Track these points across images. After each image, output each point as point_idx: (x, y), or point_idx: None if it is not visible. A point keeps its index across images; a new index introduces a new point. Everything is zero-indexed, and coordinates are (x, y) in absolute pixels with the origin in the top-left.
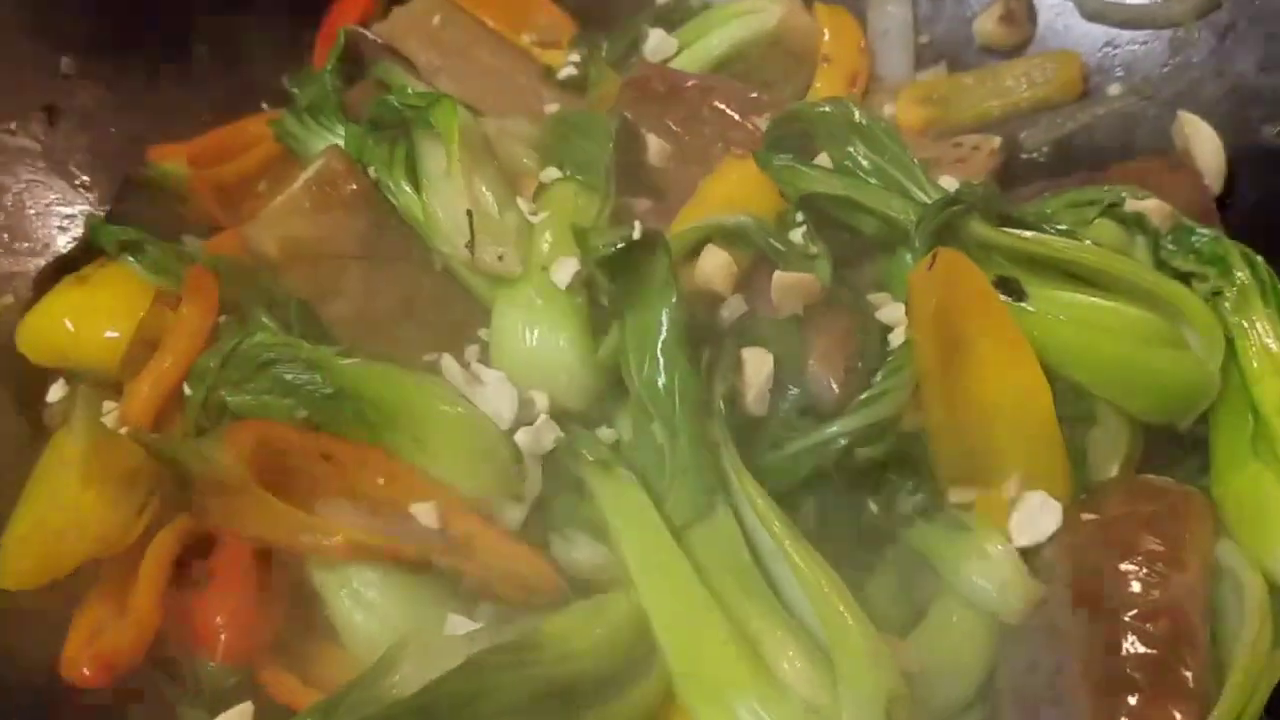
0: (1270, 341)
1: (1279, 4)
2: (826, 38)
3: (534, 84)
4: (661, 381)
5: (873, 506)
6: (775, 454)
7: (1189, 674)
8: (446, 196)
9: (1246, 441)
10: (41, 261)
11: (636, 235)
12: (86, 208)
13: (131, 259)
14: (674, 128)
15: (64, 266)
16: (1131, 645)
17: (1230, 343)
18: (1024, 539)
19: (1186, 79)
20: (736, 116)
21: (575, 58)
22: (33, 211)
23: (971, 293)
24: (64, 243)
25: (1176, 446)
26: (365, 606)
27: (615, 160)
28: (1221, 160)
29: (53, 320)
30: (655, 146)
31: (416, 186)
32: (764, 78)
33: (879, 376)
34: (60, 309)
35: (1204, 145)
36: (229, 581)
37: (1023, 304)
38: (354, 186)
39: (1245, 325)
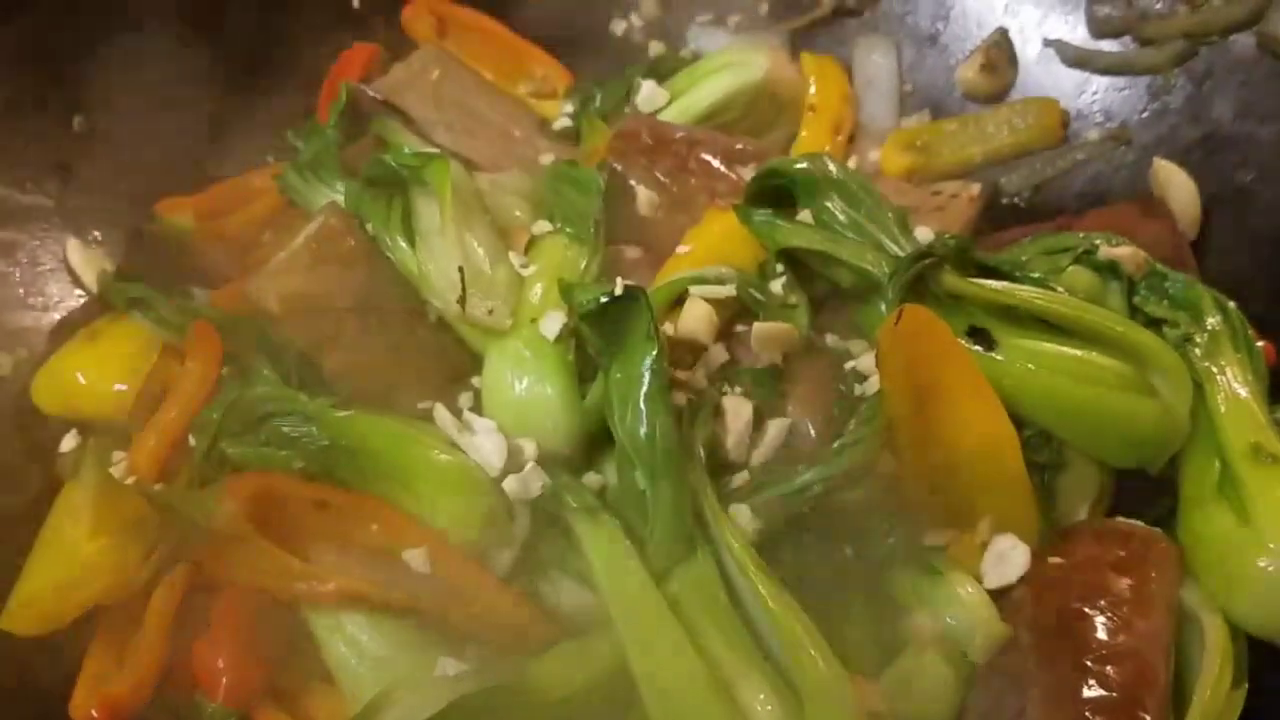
0: (1239, 387)
1: (1253, 53)
2: (812, 88)
3: (530, 135)
4: (643, 430)
5: (848, 550)
6: (754, 499)
7: (1147, 716)
8: (439, 253)
9: (1213, 486)
10: (55, 317)
11: (619, 291)
12: (98, 263)
13: (139, 314)
14: (662, 179)
15: (76, 322)
16: (1091, 688)
17: (1200, 388)
18: (993, 581)
19: (1164, 125)
20: (722, 167)
21: (570, 108)
22: (47, 268)
23: (938, 346)
24: (76, 298)
25: (1148, 488)
26: (358, 650)
27: (605, 212)
28: (1197, 206)
29: (65, 374)
30: (644, 197)
31: (411, 242)
32: (751, 126)
33: (854, 424)
34: (72, 363)
35: (1179, 191)
36: (229, 626)
37: (993, 354)
38: (352, 243)
39: (1215, 371)
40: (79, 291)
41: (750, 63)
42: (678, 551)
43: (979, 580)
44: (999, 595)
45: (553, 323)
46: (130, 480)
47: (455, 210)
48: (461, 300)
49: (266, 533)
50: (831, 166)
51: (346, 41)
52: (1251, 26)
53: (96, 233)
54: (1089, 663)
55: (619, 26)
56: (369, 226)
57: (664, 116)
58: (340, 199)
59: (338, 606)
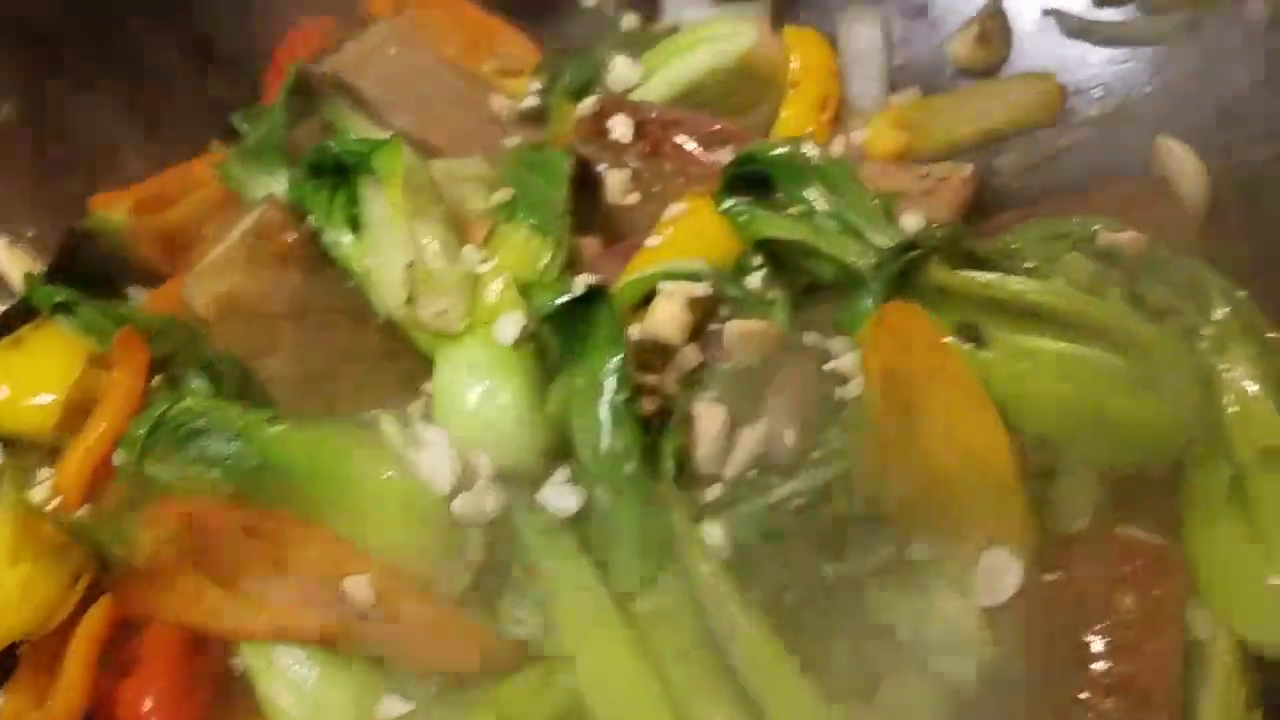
0: (1249, 384)
1: (1267, 20)
2: (795, 63)
3: (493, 116)
4: (605, 442)
5: (829, 567)
6: (727, 514)
7: None
8: (387, 248)
9: (1221, 493)
10: None
11: (579, 290)
12: (26, 264)
13: (64, 319)
14: (634, 163)
15: (2, 327)
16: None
17: (1207, 385)
18: (985, 598)
19: (1169, 100)
20: (699, 151)
21: (538, 86)
22: None
23: (924, 346)
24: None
25: (1151, 495)
26: (294, 688)
27: (571, 201)
28: (1204, 187)
29: None
30: (614, 183)
31: (358, 236)
32: (733, 105)
33: (835, 431)
34: None
35: (1186, 171)
36: (158, 663)
37: (984, 351)
38: (291, 238)
39: (1223, 367)
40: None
41: (733, 35)
42: (643, 574)
43: (970, 598)
44: (992, 614)
45: (510, 325)
46: (55, 502)
47: (405, 201)
48: (410, 300)
49: (195, 563)
50: (811, 151)
51: (297, 16)
52: None
53: (28, 231)
54: (1088, 694)
55: None
56: (311, 219)
57: (638, 95)
58: (282, 189)
59: (272, 641)
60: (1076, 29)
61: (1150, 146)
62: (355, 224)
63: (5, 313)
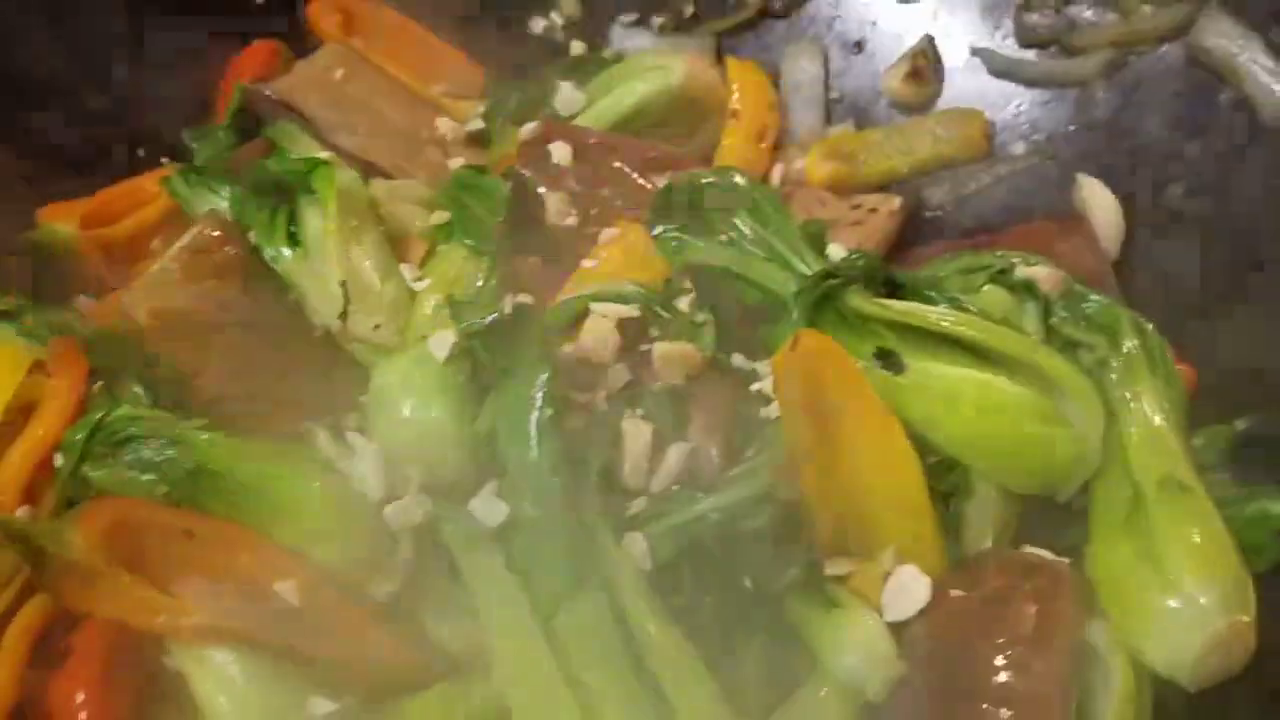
0: (1154, 415)
1: (1182, 65)
2: (735, 93)
3: (438, 139)
4: (532, 456)
5: (747, 580)
6: (650, 528)
7: None
8: (323, 264)
9: (1122, 517)
10: None
11: (508, 309)
12: None
13: (6, 326)
14: (574, 186)
15: None
16: None
17: (1113, 415)
18: (893, 614)
19: (1090, 139)
20: (636, 176)
21: (483, 110)
22: None
23: (836, 372)
24: None
25: (1056, 516)
26: (225, 688)
27: (509, 223)
28: (1120, 223)
29: None
30: (554, 205)
31: (296, 252)
32: (673, 133)
33: (752, 450)
34: None
35: (1102, 207)
36: (88, 659)
37: (899, 377)
38: (231, 253)
39: (1129, 397)
40: None
41: (669, 67)
42: (566, 586)
43: (879, 613)
44: (899, 628)
45: (443, 342)
46: None
47: (341, 219)
48: (344, 315)
49: (127, 563)
50: (740, 180)
51: (249, 37)
52: (1181, 37)
53: None
54: (985, 705)
55: (538, 24)
56: (252, 236)
57: (581, 120)
58: (226, 205)
59: (203, 641)
60: (1002, 68)
61: (1070, 183)
62: (295, 241)
63: None
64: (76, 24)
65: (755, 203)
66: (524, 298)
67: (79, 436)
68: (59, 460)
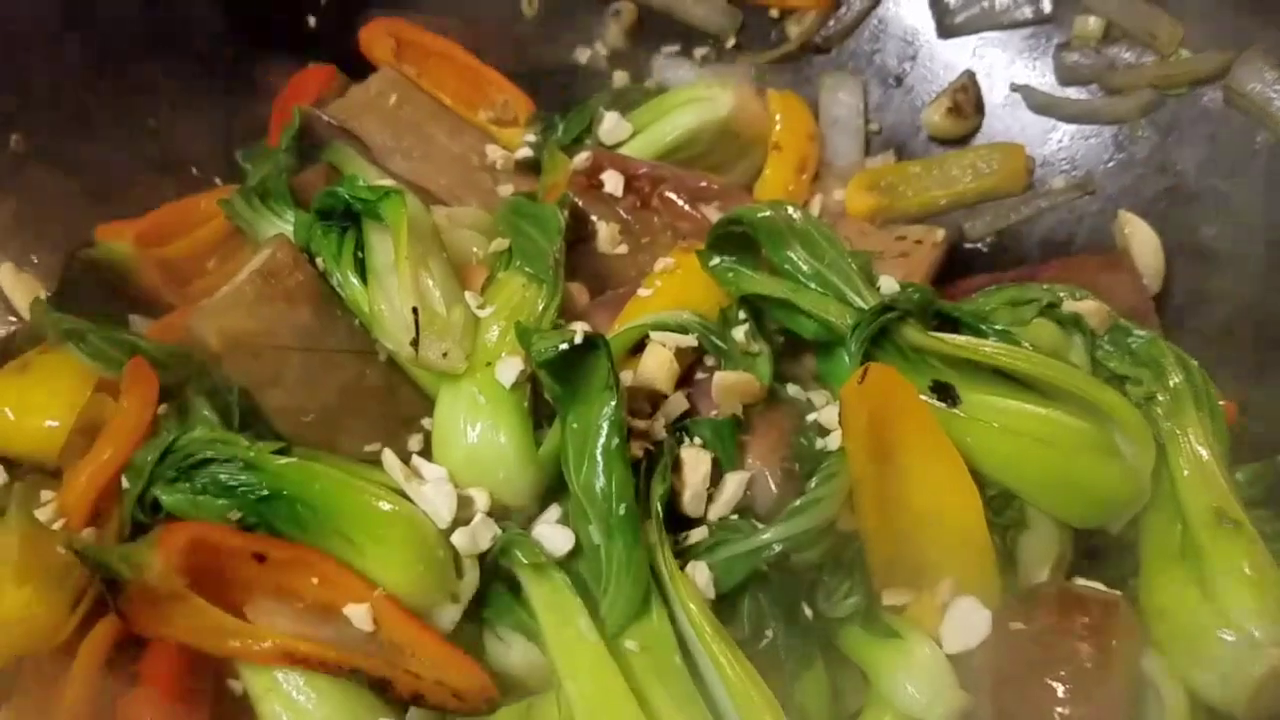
0: (1201, 449)
1: (1220, 107)
2: (778, 125)
3: (489, 165)
4: (599, 484)
5: (807, 610)
6: (711, 557)
7: None
8: (393, 292)
9: (1175, 550)
10: None
11: (579, 339)
12: (33, 289)
13: (73, 347)
14: (624, 215)
15: (7, 352)
16: None
17: (1162, 449)
18: (954, 646)
19: (1129, 176)
20: (686, 206)
21: (531, 138)
22: None
23: (902, 406)
24: (8, 324)
25: (1109, 549)
26: (295, 711)
27: (564, 251)
28: (1160, 259)
29: None
30: (605, 234)
31: (363, 279)
32: (716, 162)
33: (815, 481)
34: (1, 397)
35: (1143, 244)
36: (159, 682)
37: (955, 410)
38: (300, 278)
39: (1177, 431)
40: (12, 318)
41: (716, 98)
42: (631, 611)
43: (939, 644)
44: (959, 660)
45: (510, 368)
46: (58, 524)
47: (411, 248)
48: (415, 342)
49: (200, 586)
50: (795, 215)
51: (301, 62)
52: (1218, 80)
53: (33, 256)
54: None
55: (583, 55)
56: (319, 261)
57: (627, 150)
58: (289, 229)
59: (274, 665)
60: (1043, 105)
61: (1110, 218)
62: (362, 267)
63: (10, 336)
64: (131, 43)
65: (809, 235)
66: (587, 326)
67: (150, 458)
68: (125, 482)
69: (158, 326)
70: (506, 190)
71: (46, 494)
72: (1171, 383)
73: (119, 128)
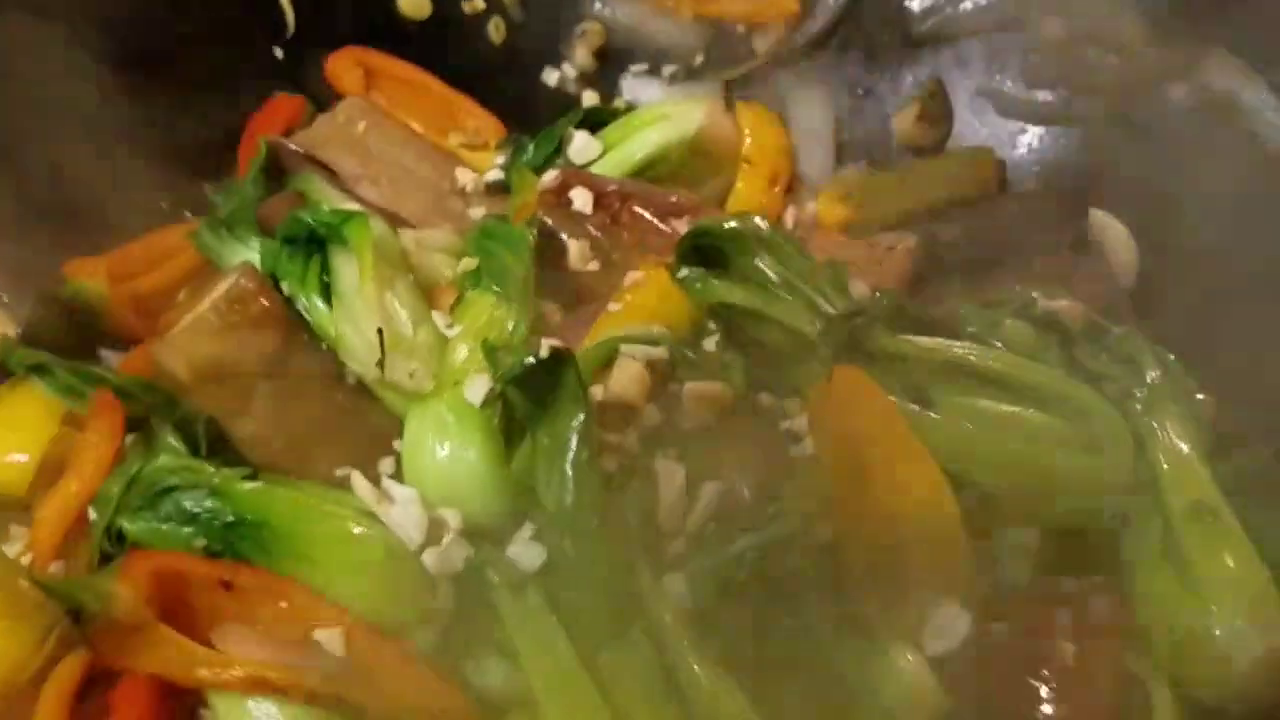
0: (1180, 443)
1: (1188, 102)
2: (748, 140)
3: (459, 189)
4: (570, 499)
5: (786, 619)
6: (688, 568)
7: None
8: (358, 314)
9: (1157, 545)
10: None
11: (544, 354)
12: (2, 326)
13: (39, 381)
14: (594, 232)
15: None
16: None
17: (1140, 444)
18: (934, 649)
19: (1100, 175)
20: (656, 221)
21: (501, 160)
22: None
23: (870, 409)
24: None
25: (1089, 545)
26: None
27: (535, 270)
28: (1134, 256)
29: None
30: (576, 251)
31: (329, 303)
32: (688, 179)
33: (789, 488)
34: None
35: (1116, 241)
36: (128, 715)
37: (930, 412)
38: (265, 304)
39: (1156, 426)
40: None
41: (685, 115)
42: (609, 628)
43: (920, 648)
44: (940, 663)
45: (478, 387)
46: (27, 558)
47: (375, 270)
48: (381, 363)
49: (168, 615)
50: (762, 225)
51: (269, 91)
52: (1185, 77)
53: (2, 295)
54: None
55: (551, 76)
56: (284, 286)
57: (597, 169)
58: (256, 257)
59: (245, 693)
60: (1010, 108)
61: (1082, 218)
62: (327, 291)
63: None
64: (100, 76)
65: (777, 245)
66: (555, 342)
67: (115, 489)
68: (93, 514)
69: (127, 360)
70: (478, 213)
71: (17, 529)
72: (1149, 377)
73: (87, 162)
